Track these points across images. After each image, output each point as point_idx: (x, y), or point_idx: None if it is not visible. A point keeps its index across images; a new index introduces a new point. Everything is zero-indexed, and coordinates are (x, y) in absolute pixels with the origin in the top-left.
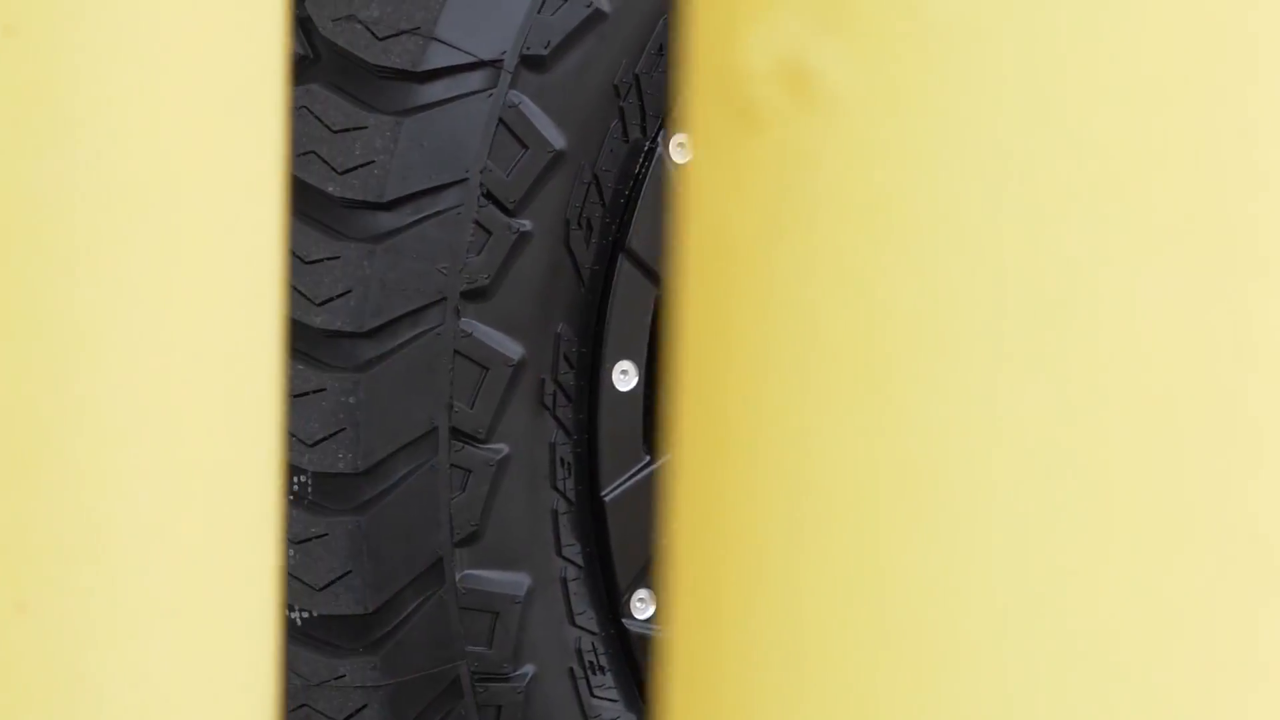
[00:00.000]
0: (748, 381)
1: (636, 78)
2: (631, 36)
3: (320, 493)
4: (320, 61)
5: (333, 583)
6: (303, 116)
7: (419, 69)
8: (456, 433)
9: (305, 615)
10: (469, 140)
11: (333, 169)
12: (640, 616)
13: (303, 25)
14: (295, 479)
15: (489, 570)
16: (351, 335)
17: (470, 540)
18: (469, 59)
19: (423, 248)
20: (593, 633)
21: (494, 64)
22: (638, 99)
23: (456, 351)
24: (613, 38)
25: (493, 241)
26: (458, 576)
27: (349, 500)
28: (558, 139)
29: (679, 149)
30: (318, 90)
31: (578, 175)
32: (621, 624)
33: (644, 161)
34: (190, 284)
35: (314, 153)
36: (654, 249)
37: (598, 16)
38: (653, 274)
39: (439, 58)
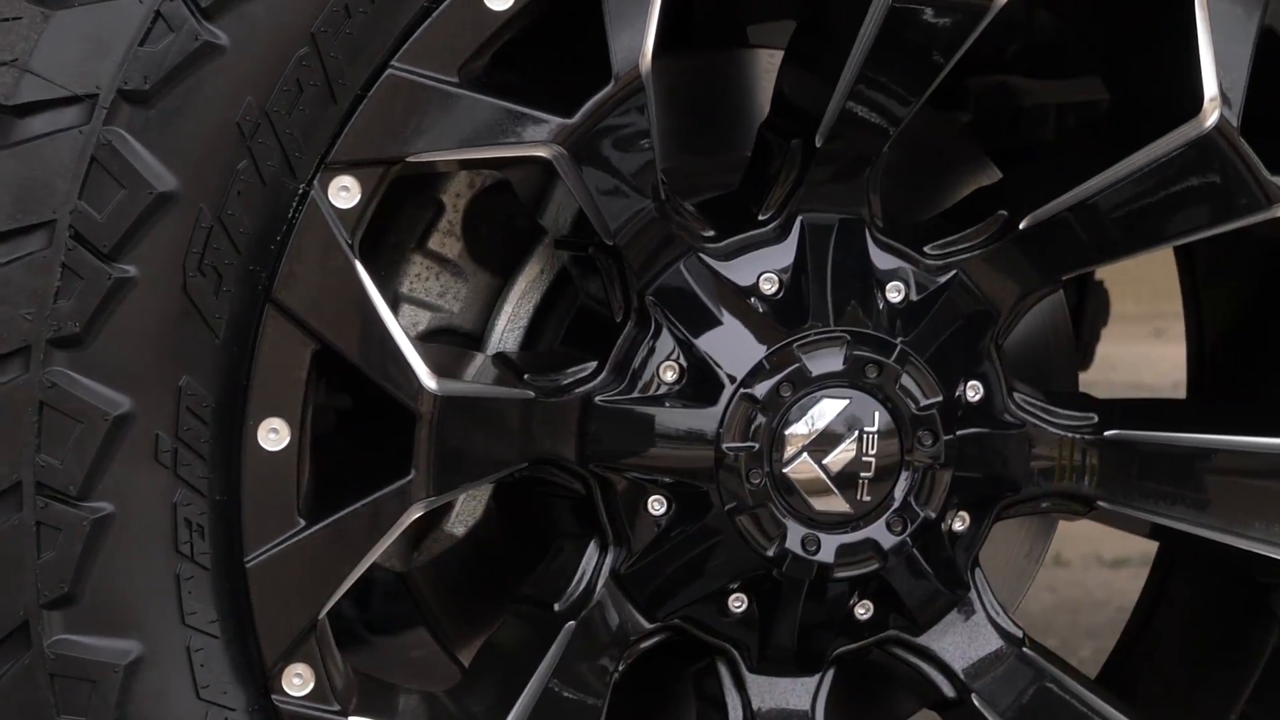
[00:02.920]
0: None
1: (267, 115)
2: (256, 72)
3: None
4: None
5: None
6: None
7: (11, 102)
8: (43, 488)
9: None
10: (58, 179)
11: None
12: (295, 693)
13: None
14: None
15: (86, 636)
16: None
17: (62, 603)
18: (62, 93)
19: (6, 292)
20: (228, 708)
21: (88, 98)
22: (274, 138)
23: (43, 403)
24: (232, 72)
25: (84, 287)
26: (47, 641)
27: None
28: (165, 179)
29: (342, 193)
30: None
31: (196, 219)
32: (270, 700)
33: (296, 206)
34: None
35: None
36: (311, 300)
37: (211, 50)
38: (307, 327)
39: (31, 91)
